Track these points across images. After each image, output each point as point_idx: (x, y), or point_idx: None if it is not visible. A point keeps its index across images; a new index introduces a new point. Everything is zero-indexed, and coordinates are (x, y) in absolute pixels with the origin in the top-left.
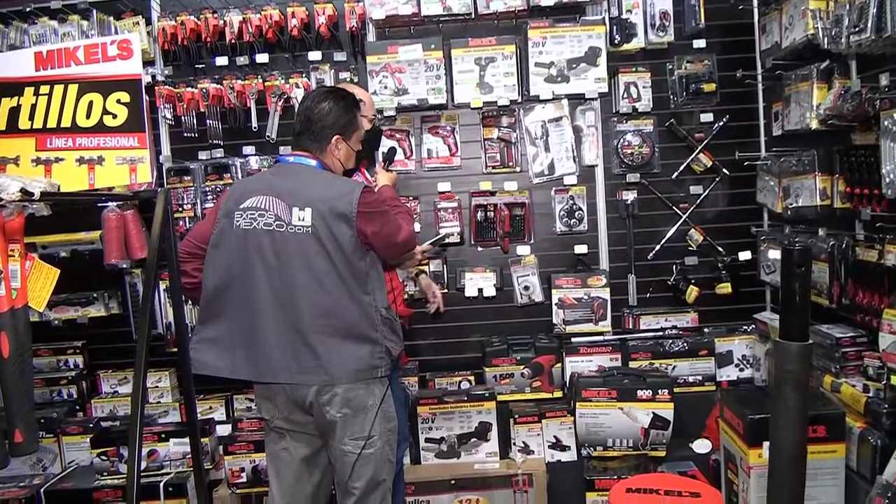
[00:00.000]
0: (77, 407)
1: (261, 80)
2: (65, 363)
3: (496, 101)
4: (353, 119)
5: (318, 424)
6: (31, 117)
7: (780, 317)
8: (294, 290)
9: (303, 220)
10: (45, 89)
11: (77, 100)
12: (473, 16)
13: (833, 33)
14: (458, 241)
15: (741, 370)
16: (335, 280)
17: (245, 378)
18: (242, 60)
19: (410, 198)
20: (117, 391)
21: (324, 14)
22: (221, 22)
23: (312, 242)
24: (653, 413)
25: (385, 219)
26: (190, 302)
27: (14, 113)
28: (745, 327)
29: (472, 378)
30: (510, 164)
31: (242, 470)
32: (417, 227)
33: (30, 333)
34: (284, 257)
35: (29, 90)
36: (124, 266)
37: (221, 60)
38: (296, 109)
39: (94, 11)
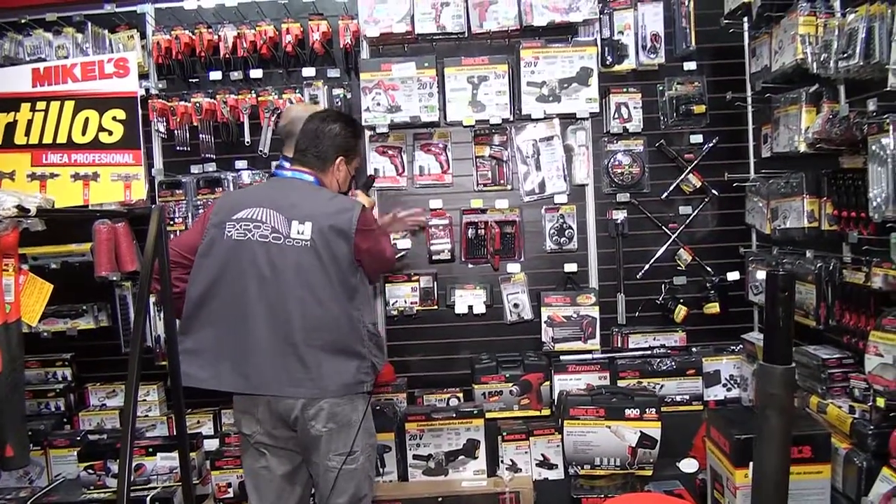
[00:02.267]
0: (64, 420)
1: (254, 95)
2: (53, 375)
3: (488, 120)
4: (357, 145)
5: (301, 439)
6: (28, 133)
7: (764, 340)
8: (288, 302)
9: (302, 233)
10: (41, 105)
11: (73, 116)
12: (467, 35)
13: (822, 58)
14: (449, 257)
15: (728, 390)
16: (329, 294)
17: (231, 390)
18: (236, 75)
19: None
20: (105, 404)
21: (318, 31)
22: (216, 37)
23: (310, 256)
24: (640, 432)
25: (376, 237)
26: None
27: (10, 128)
28: (733, 347)
29: (460, 395)
30: (501, 182)
31: (229, 485)
32: (409, 243)
33: (23, 348)
34: (280, 269)
35: (25, 106)
36: (114, 278)
37: (215, 75)
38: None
39: (89, 24)
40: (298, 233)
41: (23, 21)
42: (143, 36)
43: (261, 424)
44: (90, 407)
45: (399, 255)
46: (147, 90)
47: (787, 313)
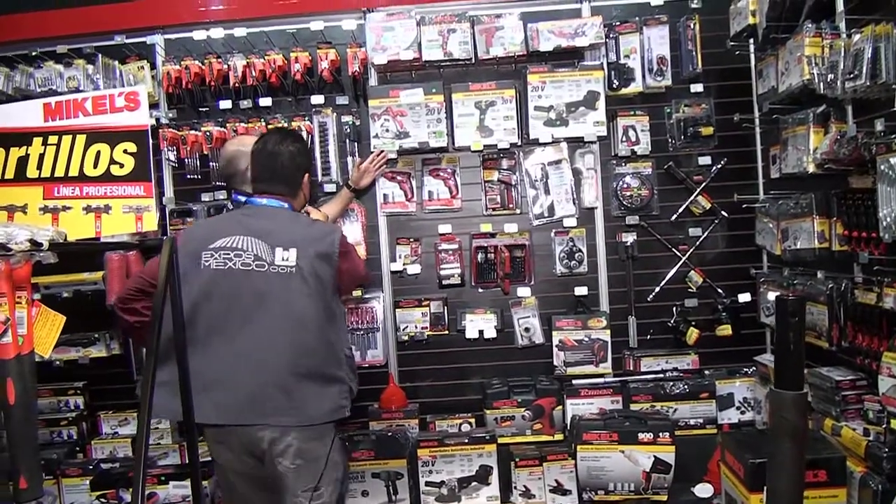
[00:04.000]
0: (77, 448)
1: (264, 123)
2: (65, 404)
3: (496, 144)
4: (309, 154)
5: (269, 473)
6: (40, 166)
7: (775, 366)
8: (274, 330)
9: (287, 259)
10: (53, 139)
11: (85, 150)
12: (474, 61)
13: (829, 79)
14: (459, 282)
15: (742, 413)
16: (315, 320)
17: (208, 422)
18: (246, 104)
19: (411, 239)
20: (117, 432)
21: (326, 59)
22: (225, 66)
23: (297, 282)
24: (654, 456)
25: (353, 256)
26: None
27: (22, 162)
28: (746, 369)
29: (472, 420)
30: (510, 206)
31: None
32: (418, 268)
33: (35, 380)
34: (265, 297)
35: (37, 140)
36: None
37: (225, 104)
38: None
39: (100, 56)
40: (283, 259)
41: (34, 54)
42: (153, 66)
43: (234, 453)
44: (102, 435)
45: None
46: (157, 120)
47: (798, 338)
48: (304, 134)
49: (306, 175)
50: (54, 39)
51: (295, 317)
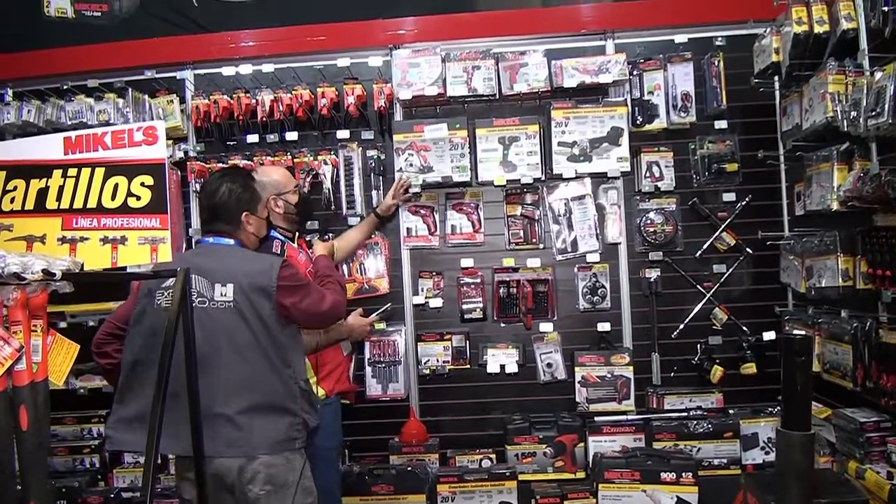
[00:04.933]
0: (99, 476)
1: (290, 157)
2: (88, 432)
3: (519, 179)
4: (253, 192)
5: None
6: (59, 198)
7: (782, 406)
8: (216, 363)
9: (225, 295)
10: (72, 172)
11: (103, 182)
12: (498, 97)
13: (851, 116)
14: (481, 316)
15: (767, 453)
16: (256, 353)
17: (168, 453)
18: (273, 138)
19: (434, 273)
20: (139, 461)
21: (353, 94)
22: (253, 101)
23: (234, 316)
24: (677, 497)
25: (306, 291)
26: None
27: (42, 194)
28: (771, 409)
29: (493, 456)
30: (533, 240)
31: None
32: (440, 302)
33: (49, 407)
34: (207, 332)
35: (57, 172)
36: None
37: (252, 138)
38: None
39: (130, 90)
40: (222, 295)
41: (65, 87)
42: (182, 100)
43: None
44: (124, 464)
45: (382, 309)
46: (186, 152)
47: (805, 378)
48: (329, 167)
49: (245, 213)
50: (85, 73)
51: (236, 350)
